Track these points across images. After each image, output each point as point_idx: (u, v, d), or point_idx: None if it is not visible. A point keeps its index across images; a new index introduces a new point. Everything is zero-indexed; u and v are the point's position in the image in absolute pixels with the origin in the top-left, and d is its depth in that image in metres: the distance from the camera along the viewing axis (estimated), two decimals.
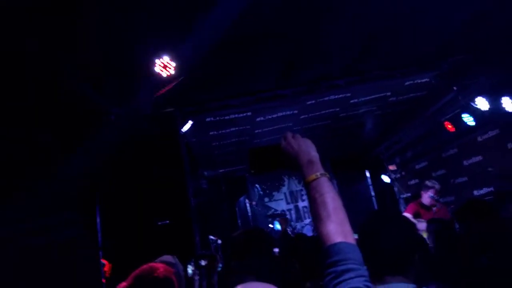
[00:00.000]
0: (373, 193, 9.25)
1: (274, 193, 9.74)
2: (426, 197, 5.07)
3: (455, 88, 5.37)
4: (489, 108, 5.21)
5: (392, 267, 1.47)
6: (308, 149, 1.20)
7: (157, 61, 4.28)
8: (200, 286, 3.58)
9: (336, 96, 5.59)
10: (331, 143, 8.28)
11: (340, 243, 1.01)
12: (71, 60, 3.65)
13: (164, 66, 4.29)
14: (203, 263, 4.62)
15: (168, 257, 3.13)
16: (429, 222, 4.19)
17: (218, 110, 5.03)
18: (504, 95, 4.88)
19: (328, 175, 1.16)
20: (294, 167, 1.21)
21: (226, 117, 5.50)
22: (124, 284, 1.80)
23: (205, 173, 8.10)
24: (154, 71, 4.28)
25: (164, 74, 4.15)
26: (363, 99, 5.86)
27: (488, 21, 4.27)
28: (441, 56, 4.93)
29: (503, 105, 4.93)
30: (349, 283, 0.95)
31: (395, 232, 1.51)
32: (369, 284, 0.99)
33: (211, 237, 5.99)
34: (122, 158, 4.96)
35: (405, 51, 4.63)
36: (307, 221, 9.27)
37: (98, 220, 4.88)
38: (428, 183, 5.17)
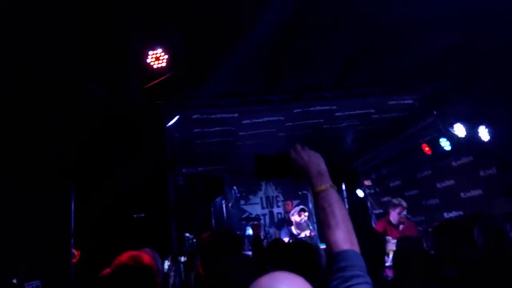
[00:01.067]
0: (346, 206, 9.42)
1: (250, 196, 9.78)
2: (394, 215, 5.22)
3: (435, 112, 5.58)
4: (465, 135, 5.43)
5: None
6: (318, 161, 1.27)
7: (150, 52, 4.29)
8: (174, 284, 3.59)
9: (323, 108, 5.72)
10: None
11: (348, 250, 1.08)
12: (58, 38, 3.61)
13: (157, 58, 4.30)
14: (182, 259, 4.62)
15: (147, 250, 3.12)
16: (399, 240, 4.32)
17: (207, 108, 5.05)
18: (480, 124, 5.10)
19: (336, 187, 1.24)
20: (303, 176, 1.27)
21: (213, 116, 5.52)
22: (108, 270, 1.81)
23: (183, 170, 8.07)
24: (146, 61, 4.29)
25: (156, 65, 4.16)
26: (347, 113, 6.01)
27: (471, 50, 4.48)
28: (425, 79, 5.12)
29: (479, 134, 5.15)
30: None
31: (365, 244, 1.60)
32: None
33: (187, 234, 5.98)
34: (103, 144, 4.91)
35: (391, 72, 4.80)
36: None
37: (72, 206, 4.80)
38: (394, 201, 5.34)
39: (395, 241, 5.06)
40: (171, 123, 5.04)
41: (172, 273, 3.54)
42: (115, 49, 4.06)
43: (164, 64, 4.31)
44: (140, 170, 5.04)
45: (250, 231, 7.43)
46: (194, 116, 5.44)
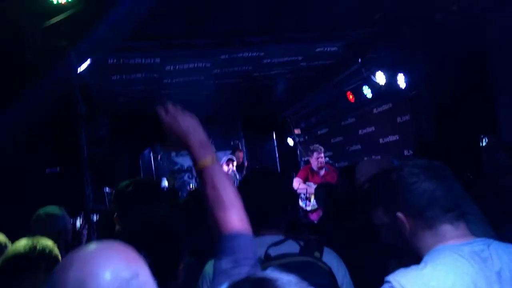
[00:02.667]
0: (277, 154, 9.64)
1: None
2: (313, 161, 5.43)
3: (359, 60, 5.67)
4: (385, 83, 5.63)
5: (266, 220, 1.53)
6: (198, 128, 1.11)
7: None
8: (88, 240, 3.39)
9: (250, 54, 5.53)
10: (242, 102, 8.31)
11: (241, 230, 1.02)
12: None
13: None
14: (94, 218, 4.37)
15: (54, 208, 2.86)
16: (317, 188, 4.51)
17: (122, 51, 4.60)
18: (399, 72, 5.29)
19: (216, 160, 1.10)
20: (179, 146, 1.11)
21: (131, 61, 5.08)
22: None
23: (107, 120, 7.54)
24: None
25: (56, 0, 3.61)
26: (275, 60, 5.89)
27: (395, 2, 4.53)
28: (351, 27, 5.12)
29: (397, 81, 5.36)
30: (247, 270, 0.96)
31: (268, 187, 1.58)
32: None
33: (107, 189, 5.68)
34: (1, 94, 4.32)
35: (316, 18, 4.71)
36: None
37: None
38: (311, 147, 5.54)
39: (315, 185, 5.30)
40: (82, 68, 4.54)
41: (84, 231, 3.33)
42: None
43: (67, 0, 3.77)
44: (49, 123, 4.55)
45: (165, 182, 7.33)
46: (110, 61, 4.96)
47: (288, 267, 1.28)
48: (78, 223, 3.45)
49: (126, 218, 1.87)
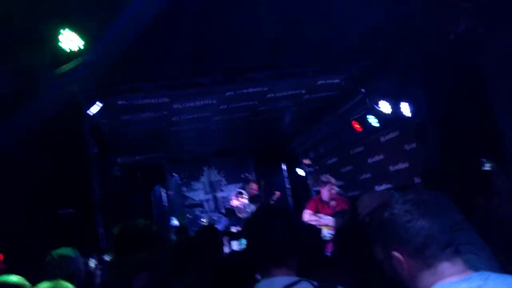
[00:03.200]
0: (288, 185, 9.61)
1: (192, 182, 9.64)
2: (325, 192, 5.37)
3: (363, 90, 5.76)
4: (391, 112, 5.67)
5: (276, 258, 1.52)
6: None
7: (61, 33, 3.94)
8: (102, 283, 3.39)
9: (253, 89, 5.68)
10: (250, 135, 8.42)
11: None
12: None
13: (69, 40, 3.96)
14: (106, 258, 4.40)
15: (67, 250, 2.91)
16: (334, 214, 4.46)
17: (130, 93, 4.79)
18: (402, 100, 5.34)
19: None
20: None
21: (140, 102, 5.27)
22: None
23: (119, 160, 7.71)
24: (57, 44, 3.94)
25: (68, 48, 3.83)
26: (279, 94, 6.02)
27: (391, 30, 4.65)
28: (351, 59, 5.25)
29: (401, 110, 5.40)
30: None
31: (278, 224, 1.56)
32: None
33: None
34: (18, 138, 4.50)
35: (317, 51, 4.86)
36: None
37: None
38: (323, 178, 5.48)
39: (327, 217, 5.24)
40: (94, 111, 4.72)
41: (98, 272, 3.35)
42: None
43: (78, 48, 3.99)
44: (62, 165, 4.69)
45: (175, 221, 7.32)
46: (119, 103, 5.15)
47: None
48: (92, 263, 3.48)
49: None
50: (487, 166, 3.36)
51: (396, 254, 1.25)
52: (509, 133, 3.74)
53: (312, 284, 1.44)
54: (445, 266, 1.19)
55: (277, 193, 7.34)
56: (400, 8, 4.39)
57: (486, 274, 1.19)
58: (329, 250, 5.35)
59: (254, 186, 7.24)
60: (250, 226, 1.70)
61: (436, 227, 1.20)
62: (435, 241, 1.20)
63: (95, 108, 4.77)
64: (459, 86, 4.12)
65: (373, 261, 2.32)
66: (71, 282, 2.51)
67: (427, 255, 1.19)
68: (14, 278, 2.35)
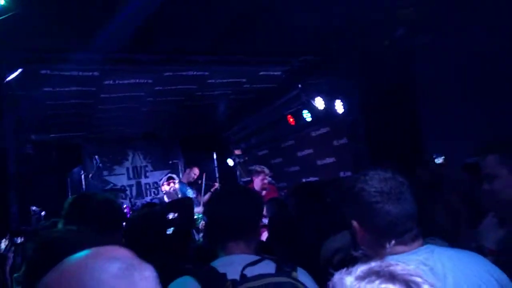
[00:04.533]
0: (217, 175, 9.57)
1: (115, 167, 9.09)
2: (257, 182, 5.44)
3: (299, 85, 5.93)
4: (324, 108, 5.93)
5: (235, 233, 1.49)
6: None
7: None
8: (14, 263, 3.04)
9: (194, 73, 5.50)
10: (182, 121, 8.19)
11: None
12: None
13: None
14: (18, 240, 3.94)
15: None
16: (267, 202, 4.54)
17: (57, 62, 4.31)
18: (337, 98, 5.62)
19: None
20: None
21: (67, 73, 4.77)
22: None
23: (33, 136, 6.94)
24: None
25: None
26: (220, 81, 5.93)
27: (333, 30, 4.85)
28: (294, 54, 5.37)
29: (335, 107, 5.68)
30: None
31: (240, 200, 1.56)
32: None
33: (34, 208, 5.19)
34: None
35: (263, 42, 4.88)
36: (148, 198, 9.01)
37: None
38: (257, 168, 5.57)
39: None
40: (11, 77, 4.16)
41: (10, 254, 2.99)
42: None
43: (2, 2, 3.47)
44: None
45: None
46: (43, 72, 4.61)
47: None
48: (3, 245, 3.09)
49: None
50: (440, 159, 3.68)
51: (355, 224, 1.32)
52: (430, 135, 4.17)
53: (274, 262, 1.43)
54: (398, 247, 1.25)
55: (216, 185, 7.22)
56: (343, 8, 4.61)
57: (432, 247, 1.28)
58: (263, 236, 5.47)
59: (196, 171, 6.97)
60: (213, 202, 1.68)
61: (401, 215, 1.25)
62: (396, 228, 1.25)
63: (14, 75, 4.21)
64: (391, 89, 4.47)
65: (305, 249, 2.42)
66: None
67: (384, 237, 1.25)
68: None
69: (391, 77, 4.40)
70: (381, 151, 4.51)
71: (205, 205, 1.78)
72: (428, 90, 4.15)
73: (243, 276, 1.30)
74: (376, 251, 1.24)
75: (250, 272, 1.33)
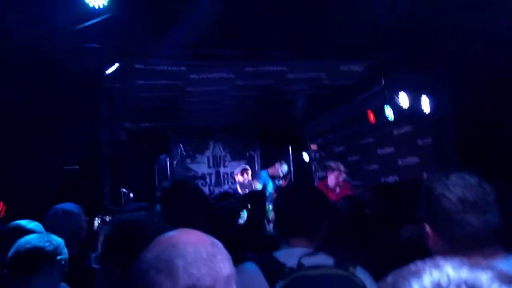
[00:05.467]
0: (292, 168, 9.58)
1: (197, 155, 9.62)
2: (332, 178, 5.32)
3: (383, 80, 5.65)
4: (408, 105, 5.57)
5: (299, 229, 1.55)
6: None
7: None
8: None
9: (274, 68, 5.57)
10: (261, 114, 8.34)
11: None
12: None
13: None
14: (107, 218, 4.39)
15: (71, 205, 2.84)
16: (342, 199, 4.45)
17: (150, 57, 4.68)
18: (423, 95, 5.25)
19: None
20: None
21: (158, 68, 5.16)
22: None
23: (126, 124, 7.66)
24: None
25: (93, 4, 3.72)
26: (299, 76, 5.92)
27: (421, 25, 4.52)
28: (376, 48, 5.13)
29: (421, 104, 5.30)
30: None
31: (309, 199, 1.59)
32: None
33: (123, 189, 5.74)
34: (29, 89, 4.42)
35: (344, 37, 4.74)
36: (226, 187, 9.37)
37: None
38: (333, 165, 5.43)
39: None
40: (110, 71, 4.63)
41: (102, 232, 3.31)
42: None
43: (104, 3, 3.88)
44: (71, 121, 4.63)
45: None
46: (137, 66, 5.05)
47: (322, 279, 1.27)
48: (96, 223, 3.46)
49: None
50: None
51: (428, 228, 1.26)
52: None
53: (331, 257, 1.47)
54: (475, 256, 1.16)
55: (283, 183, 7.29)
56: (433, 3, 4.29)
57: None
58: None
59: (285, 169, 7.20)
60: (281, 198, 1.75)
61: (484, 227, 1.16)
62: (476, 241, 1.18)
63: (112, 69, 4.67)
64: (491, 86, 4.01)
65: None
66: (72, 238, 2.44)
67: (461, 249, 1.16)
68: (29, 224, 2.28)
69: (491, 71, 3.95)
70: (472, 155, 4.10)
71: (274, 200, 1.87)
72: None
73: (300, 264, 1.37)
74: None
75: (307, 262, 1.39)
